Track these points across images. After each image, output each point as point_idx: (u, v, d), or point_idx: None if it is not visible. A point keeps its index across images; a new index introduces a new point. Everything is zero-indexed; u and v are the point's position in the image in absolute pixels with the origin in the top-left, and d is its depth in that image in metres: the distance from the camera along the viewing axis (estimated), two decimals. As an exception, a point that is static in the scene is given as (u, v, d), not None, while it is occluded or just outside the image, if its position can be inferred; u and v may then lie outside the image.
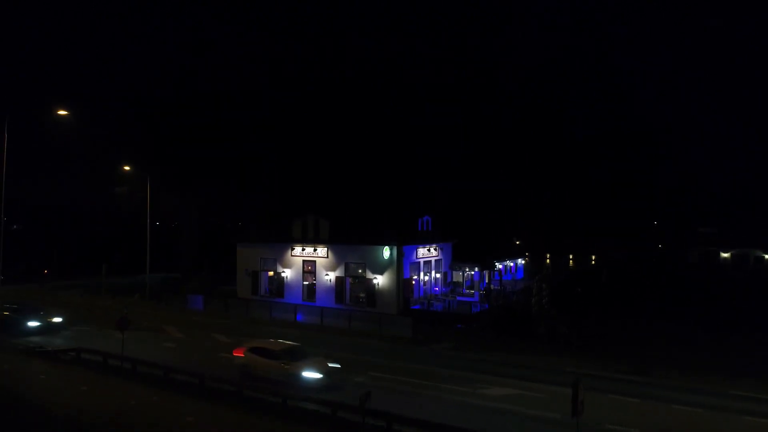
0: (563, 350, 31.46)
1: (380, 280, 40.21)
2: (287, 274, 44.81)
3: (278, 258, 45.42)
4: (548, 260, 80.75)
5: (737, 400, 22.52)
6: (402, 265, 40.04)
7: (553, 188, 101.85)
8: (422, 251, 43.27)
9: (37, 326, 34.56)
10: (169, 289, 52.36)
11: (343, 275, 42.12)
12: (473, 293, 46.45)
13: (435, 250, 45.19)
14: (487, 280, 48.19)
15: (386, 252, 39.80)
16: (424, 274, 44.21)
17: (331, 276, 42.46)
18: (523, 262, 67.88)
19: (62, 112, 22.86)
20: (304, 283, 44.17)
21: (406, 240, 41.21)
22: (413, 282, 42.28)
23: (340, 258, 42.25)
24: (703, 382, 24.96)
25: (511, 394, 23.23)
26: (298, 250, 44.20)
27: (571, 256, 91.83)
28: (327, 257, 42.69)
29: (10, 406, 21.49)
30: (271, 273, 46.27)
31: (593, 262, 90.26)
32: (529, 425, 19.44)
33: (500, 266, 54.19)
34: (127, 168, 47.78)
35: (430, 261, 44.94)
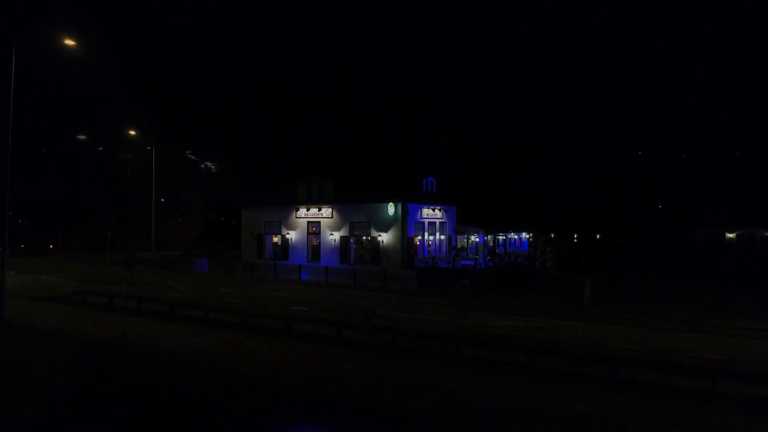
0: (568, 299, 31.25)
1: (385, 238, 40.14)
2: (292, 236, 44.79)
3: (283, 221, 45.40)
4: (553, 237, 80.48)
5: (744, 331, 22.35)
6: (406, 223, 39.91)
7: (553, 188, 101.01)
8: (427, 211, 43.13)
9: None
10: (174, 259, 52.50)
11: (348, 234, 42.06)
12: (477, 257, 46.30)
13: (439, 211, 45.03)
14: (491, 245, 48.08)
15: (391, 208, 39.69)
16: (429, 235, 44.05)
17: (335, 236, 42.42)
18: (527, 236, 67.71)
19: (69, 42, 22.51)
20: (309, 244, 44.15)
21: (411, 197, 41.07)
22: (418, 242, 42.18)
23: (344, 218, 42.19)
24: (710, 318, 24.82)
25: (517, 325, 23.22)
26: (302, 211, 44.17)
27: (575, 235, 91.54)
28: (332, 217, 42.64)
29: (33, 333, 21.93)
30: (276, 239, 46.29)
31: (597, 238, 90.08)
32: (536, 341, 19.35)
33: (504, 236, 54.01)
34: (132, 132, 47.67)
35: (435, 222, 44.79)
